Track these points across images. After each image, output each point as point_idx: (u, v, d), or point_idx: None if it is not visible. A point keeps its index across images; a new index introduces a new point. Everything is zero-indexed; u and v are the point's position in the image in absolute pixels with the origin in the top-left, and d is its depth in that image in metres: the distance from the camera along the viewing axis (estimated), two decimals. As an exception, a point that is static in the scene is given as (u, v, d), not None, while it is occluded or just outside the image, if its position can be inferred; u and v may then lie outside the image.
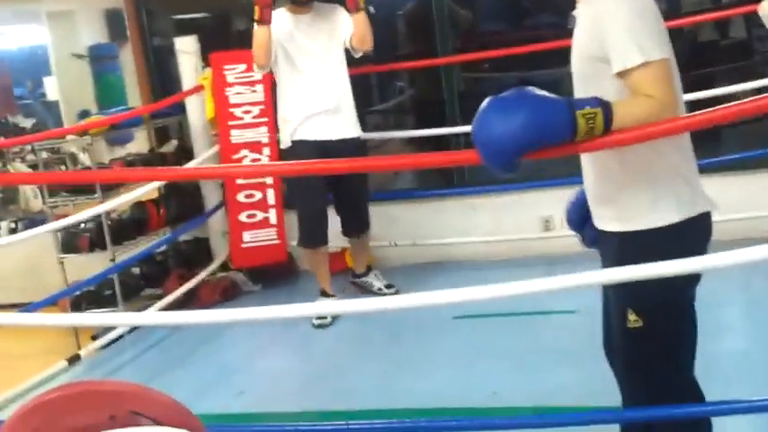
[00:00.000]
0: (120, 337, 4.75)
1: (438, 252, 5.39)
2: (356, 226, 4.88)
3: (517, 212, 5.22)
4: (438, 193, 5.55)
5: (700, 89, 4.58)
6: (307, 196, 4.62)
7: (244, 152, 5.25)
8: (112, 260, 4.90)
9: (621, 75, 1.97)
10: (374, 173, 6.12)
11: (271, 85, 4.95)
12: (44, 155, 5.73)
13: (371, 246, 5.31)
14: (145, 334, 4.84)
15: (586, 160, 2.22)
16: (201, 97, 5.39)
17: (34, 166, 5.70)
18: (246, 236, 5.30)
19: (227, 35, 6.19)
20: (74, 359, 4.36)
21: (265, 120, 5.23)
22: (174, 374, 4.28)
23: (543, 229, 5.10)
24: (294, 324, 4.59)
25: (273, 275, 5.43)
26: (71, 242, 5.02)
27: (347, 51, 4.63)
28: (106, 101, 6.31)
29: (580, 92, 2.17)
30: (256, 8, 4.39)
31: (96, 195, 4.89)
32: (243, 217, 5.30)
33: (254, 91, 5.23)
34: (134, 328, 4.84)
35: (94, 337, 4.68)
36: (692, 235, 2.15)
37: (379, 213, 5.44)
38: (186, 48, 5.41)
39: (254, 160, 5.17)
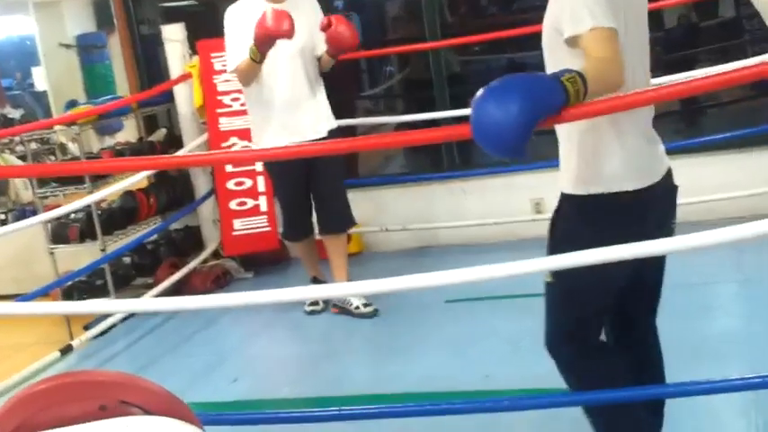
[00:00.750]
0: (113, 326, 4.75)
1: (429, 236, 5.39)
2: (333, 222, 4.51)
3: (508, 195, 5.21)
4: (428, 177, 5.54)
5: (689, 69, 4.57)
6: (288, 190, 4.50)
7: (233, 140, 5.23)
8: (103, 250, 4.88)
9: (572, 41, 2.08)
10: (363, 159, 6.15)
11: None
12: (33, 146, 5.70)
13: (362, 231, 5.31)
14: (137, 323, 4.83)
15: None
16: (189, 85, 5.36)
17: (23, 157, 5.67)
18: (237, 223, 5.29)
19: (214, 23, 6.13)
20: (66, 350, 4.35)
21: (254, 107, 5.20)
22: (167, 363, 4.27)
23: (534, 212, 5.10)
24: (286, 311, 4.58)
25: (265, 263, 5.43)
26: (61, 233, 5.00)
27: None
28: (95, 90, 6.27)
29: (549, 65, 2.24)
30: (256, 50, 4.03)
31: (86, 185, 4.87)
32: (233, 205, 5.29)
33: (242, 78, 5.19)
34: (126, 318, 4.84)
35: (87, 328, 4.67)
36: (602, 209, 2.26)
37: (369, 198, 5.44)
38: (173, 36, 5.37)
39: (243, 148, 5.15)
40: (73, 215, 4.96)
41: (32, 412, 1.36)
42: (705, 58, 5.76)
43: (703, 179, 4.80)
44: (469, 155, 5.62)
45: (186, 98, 5.41)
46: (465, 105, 5.07)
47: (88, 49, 6.43)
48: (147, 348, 4.54)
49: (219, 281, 5.33)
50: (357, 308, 4.45)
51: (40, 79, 7.27)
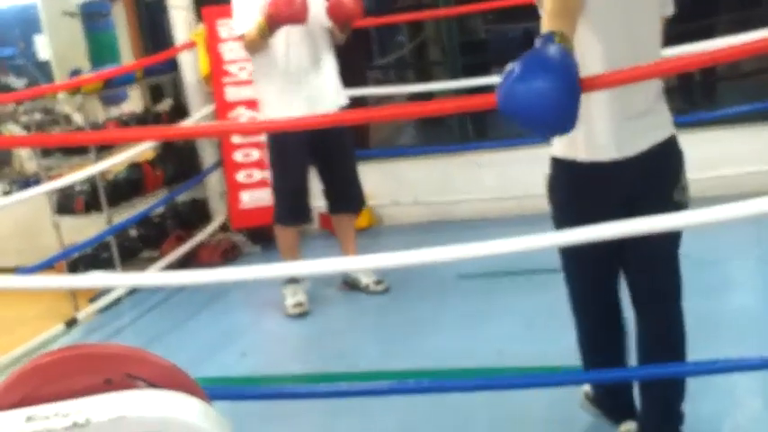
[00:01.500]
0: (119, 299, 4.70)
1: (442, 210, 5.32)
2: (350, 203, 4.39)
3: (523, 168, 5.11)
4: (442, 149, 5.45)
5: (701, 39, 4.47)
6: (293, 170, 4.21)
7: (240, 110, 5.15)
8: (109, 222, 4.83)
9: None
10: (374, 130, 6.08)
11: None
12: (37, 116, 5.63)
13: (373, 205, 5.24)
14: (143, 297, 4.78)
15: None
16: (195, 54, 5.28)
17: (28, 128, 5.60)
18: (245, 196, 5.23)
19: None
20: (71, 323, 4.31)
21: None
22: (174, 338, 4.23)
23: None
24: (295, 285, 4.53)
25: (273, 237, 5.36)
26: (66, 204, 4.95)
27: None
28: (99, 59, 6.16)
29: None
30: (266, 28, 3.92)
31: (91, 156, 4.80)
32: (241, 177, 5.22)
33: (249, 46, 5.10)
34: (132, 291, 4.79)
35: (92, 300, 4.63)
36: (562, 174, 2.42)
37: (380, 170, 5.37)
38: (177, 2, 5.29)
39: (250, 118, 5.07)
40: (78, 187, 4.90)
41: (37, 385, 1.35)
42: (724, 29, 5.65)
43: (723, 153, 4.72)
44: (484, 126, 5.55)
45: (192, 67, 5.34)
46: (479, 74, 5.00)
47: (92, 17, 6.32)
48: (154, 322, 4.49)
49: (227, 255, 5.27)
50: (367, 286, 4.37)
51: (44, 48, 7.18)
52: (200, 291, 4.68)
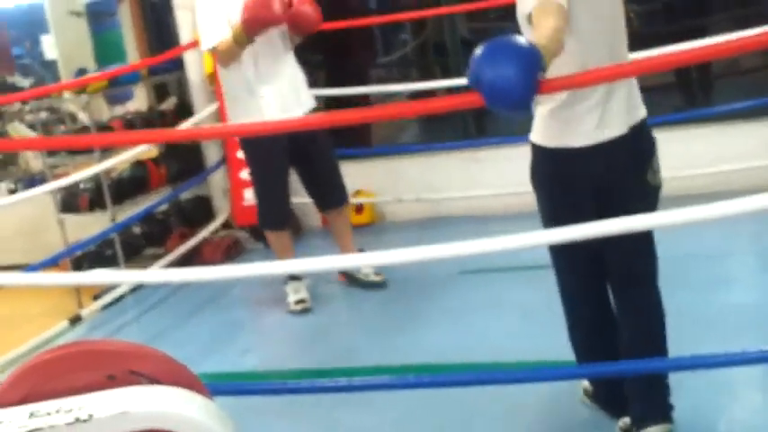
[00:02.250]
0: (123, 296, 4.73)
1: (444, 207, 5.33)
2: (335, 198, 4.40)
3: (523, 165, 5.13)
4: (442, 146, 5.46)
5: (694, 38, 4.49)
6: (273, 175, 4.22)
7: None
8: (113, 219, 4.86)
9: (529, 19, 2.25)
10: (376, 128, 6.09)
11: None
12: (43, 115, 5.65)
13: (375, 201, 5.25)
14: (147, 293, 4.81)
15: None
16: (200, 53, 5.29)
17: (33, 126, 5.63)
18: (248, 193, 5.25)
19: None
20: (75, 319, 4.34)
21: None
22: (177, 334, 4.26)
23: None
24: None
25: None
26: (71, 202, 4.98)
27: None
28: (105, 59, 6.19)
29: None
30: (244, 36, 3.89)
31: (95, 155, 4.83)
32: (244, 174, 5.23)
33: (253, 45, 5.12)
34: (136, 288, 4.82)
35: (96, 298, 4.66)
36: (544, 160, 2.53)
37: (382, 168, 5.40)
38: (183, 2, 5.30)
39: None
40: (83, 185, 4.93)
41: (41, 381, 1.36)
42: (716, 28, 5.65)
43: (720, 149, 4.73)
44: (484, 124, 5.56)
45: (197, 66, 5.36)
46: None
47: (98, 17, 6.35)
48: (157, 319, 4.52)
49: (230, 251, 5.30)
50: (366, 275, 4.40)
51: (50, 48, 7.20)
52: (204, 287, 4.70)
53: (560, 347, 2.82)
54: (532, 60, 1.92)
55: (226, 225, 5.52)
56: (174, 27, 5.46)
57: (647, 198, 2.48)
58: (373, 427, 3.06)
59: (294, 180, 4.48)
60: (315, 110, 4.31)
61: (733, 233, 4.06)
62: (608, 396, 2.77)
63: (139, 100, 5.99)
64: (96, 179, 4.85)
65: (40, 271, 4.07)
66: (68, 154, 5.00)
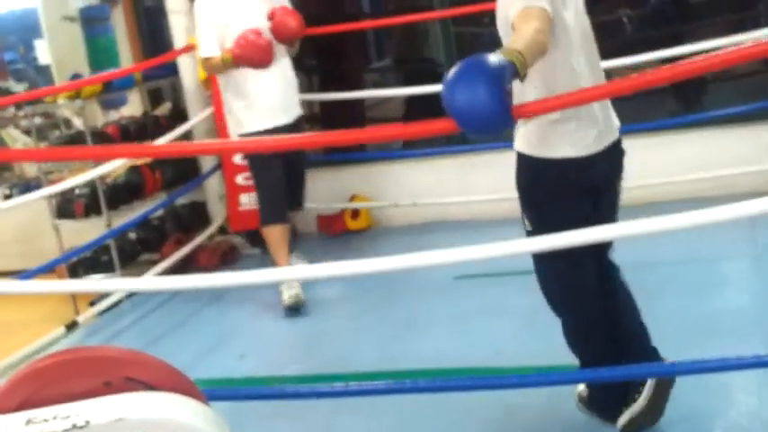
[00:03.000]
0: (119, 302, 4.73)
1: (439, 212, 5.34)
2: (298, 202, 4.76)
3: (517, 170, 5.16)
4: (438, 151, 5.47)
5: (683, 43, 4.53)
6: (275, 172, 4.43)
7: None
8: (108, 225, 4.85)
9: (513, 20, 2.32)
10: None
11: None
12: (37, 120, 5.65)
13: (371, 207, 5.25)
14: (143, 299, 4.81)
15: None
16: (194, 58, 5.29)
17: (28, 132, 5.62)
18: (244, 198, 5.25)
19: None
20: (72, 326, 4.33)
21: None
22: (174, 339, 4.25)
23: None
24: (294, 287, 4.55)
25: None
26: (66, 208, 4.97)
27: None
28: (99, 64, 6.17)
29: None
30: (233, 63, 4.20)
31: (90, 160, 4.82)
32: (239, 179, 5.24)
33: (247, 51, 5.12)
34: (132, 294, 4.81)
35: (93, 303, 4.65)
36: (544, 171, 2.56)
37: (378, 173, 5.40)
38: (177, 7, 5.30)
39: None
40: (78, 190, 4.92)
41: (37, 388, 1.35)
42: (708, 32, 5.67)
43: (716, 154, 4.74)
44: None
45: (191, 71, 5.36)
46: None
47: (92, 22, 6.34)
48: (154, 324, 4.51)
49: (226, 257, 5.29)
50: (282, 300, 4.36)
51: (44, 53, 7.20)
52: (200, 292, 4.70)
53: (558, 351, 2.83)
54: (500, 82, 1.91)
55: (221, 230, 5.51)
56: (168, 32, 5.45)
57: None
58: (370, 430, 3.06)
59: None
60: (302, 117, 4.59)
61: (729, 237, 4.07)
62: (604, 401, 2.78)
63: (134, 105, 5.99)
64: (92, 185, 4.85)
65: (35, 277, 4.07)
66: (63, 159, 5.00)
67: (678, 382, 2.69)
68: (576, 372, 2.79)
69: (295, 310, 4.30)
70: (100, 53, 6.35)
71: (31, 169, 5.83)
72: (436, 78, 5.32)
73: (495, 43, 2.35)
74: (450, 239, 4.75)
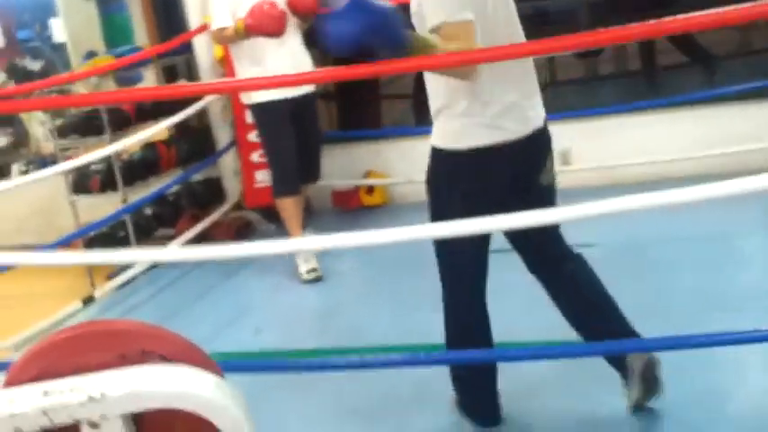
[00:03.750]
0: (135, 277, 4.76)
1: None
2: (314, 173, 4.76)
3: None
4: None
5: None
6: (285, 142, 4.49)
7: (253, 90, 5.16)
8: (124, 201, 4.88)
9: (433, 30, 2.30)
10: (387, 109, 6.09)
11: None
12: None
13: (387, 183, 5.26)
14: (159, 274, 4.84)
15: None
16: (209, 36, 5.29)
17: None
18: (259, 175, 5.26)
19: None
20: (88, 300, 4.37)
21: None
22: (190, 314, 4.28)
23: (561, 163, 5.00)
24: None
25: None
26: (82, 183, 5.00)
27: None
28: (114, 41, 6.19)
29: None
30: (245, 33, 4.24)
31: (106, 137, 4.85)
32: (255, 156, 5.25)
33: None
34: (148, 269, 4.85)
35: (109, 278, 4.69)
36: (454, 163, 2.57)
37: (394, 149, 5.40)
38: (192, -16, 5.30)
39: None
40: (94, 167, 4.95)
41: (53, 360, 1.37)
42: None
43: (727, 129, 4.72)
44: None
45: (206, 49, 5.36)
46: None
47: (107, 0, 6.36)
48: (170, 299, 4.55)
49: (241, 233, 5.32)
50: (300, 274, 4.45)
51: (59, 31, 7.21)
52: (216, 267, 4.73)
53: (566, 325, 2.84)
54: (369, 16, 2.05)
55: (237, 206, 5.53)
56: (183, 8, 5.45)
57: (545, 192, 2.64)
58: (384, 402, 3.08)
59: None
60: (314, 94, 4.64)
61: (740, 214, 4.05)
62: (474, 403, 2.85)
63: (149, 82, 6.00)
64: (107, 161, 4.87)
65: (52, 251, 4.10)
66: (80, 136, 5.02)
67: (690, 361, 2.71)
68: (585, 345, 2.80)
69: (313, 282, 4.34)
70: (115, 31, 6.36)
71: (47, 145, 5.86)
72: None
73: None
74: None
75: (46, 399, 1.26)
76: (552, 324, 2.86)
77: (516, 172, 2.55)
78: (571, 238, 3.84)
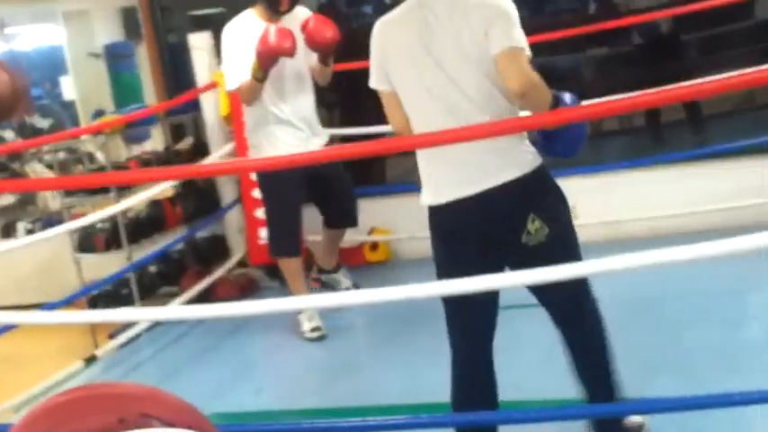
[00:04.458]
0: (138, 336, 4.73)
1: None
2: (349, 216, 4.66)
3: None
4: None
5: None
6: (291, 203, 4.42)
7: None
8: (129, 259, 4.87)
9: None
10: (391, 165, 6.11)
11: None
12: (61, 155, 5.71)
13: (390, 239, 5.24)
14: (162, 332, 4.81)
15: None
16: (216, 94, 5.35)
17: (51, 167, 5.68)
18: (262, 232, 5.25)
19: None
20: (90, 359, 4.34)
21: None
22: (191, 373, 4.25)
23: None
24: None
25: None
26: (87, 241, 5.01)
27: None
28: (123, 99, 6.27)
29: None
30: (259, 68, 4.04)
31: (112, 195, 4.86)
32: (259, 213, 5.26)
33: (268, 86, 5.16)
34: (151, 327, 4.82)
35: (111, 336, 4.66)
36: (429, 217, 2.71)
37: (397, 205, 5.39)
38: (200, 44, 5.37)
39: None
40: (99, 224, 4.96)
41: (53, 424, 1.34)
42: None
43: (735, 184, 4.74)
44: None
45: (213, 107, 5.41)
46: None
47: (116, 59, 6.44)
48: (172, 357, 4.52)
49: (245, 290, 5.30)
50: (347, 288, 4.56)
51: (69, 89, 7.31)
52: (218, 326, 4.71)
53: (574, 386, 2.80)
54: None
55: (241, 264, 5.52)
56: (191, 68, 5.52)
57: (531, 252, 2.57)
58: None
59: (307, 217, 4.59)
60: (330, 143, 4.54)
61: (751, 269, 4.02)
62: None
63: (156, 140, 6.06)
64: (113, 219, 4.88)
65: (56, 310, 4.09)
66: (86, 194, 5.05)
67: (705, 418, 2.66)
68: (596, 406, 2.76)
69: (317, 341, 4.31)
70: (124, 89, 6.44)
71: (53, 203, 5.89)
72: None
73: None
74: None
75: (43, 464, 1.24)
76: (567, 382, 2.83)
77: (482, 231, 2.58)
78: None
